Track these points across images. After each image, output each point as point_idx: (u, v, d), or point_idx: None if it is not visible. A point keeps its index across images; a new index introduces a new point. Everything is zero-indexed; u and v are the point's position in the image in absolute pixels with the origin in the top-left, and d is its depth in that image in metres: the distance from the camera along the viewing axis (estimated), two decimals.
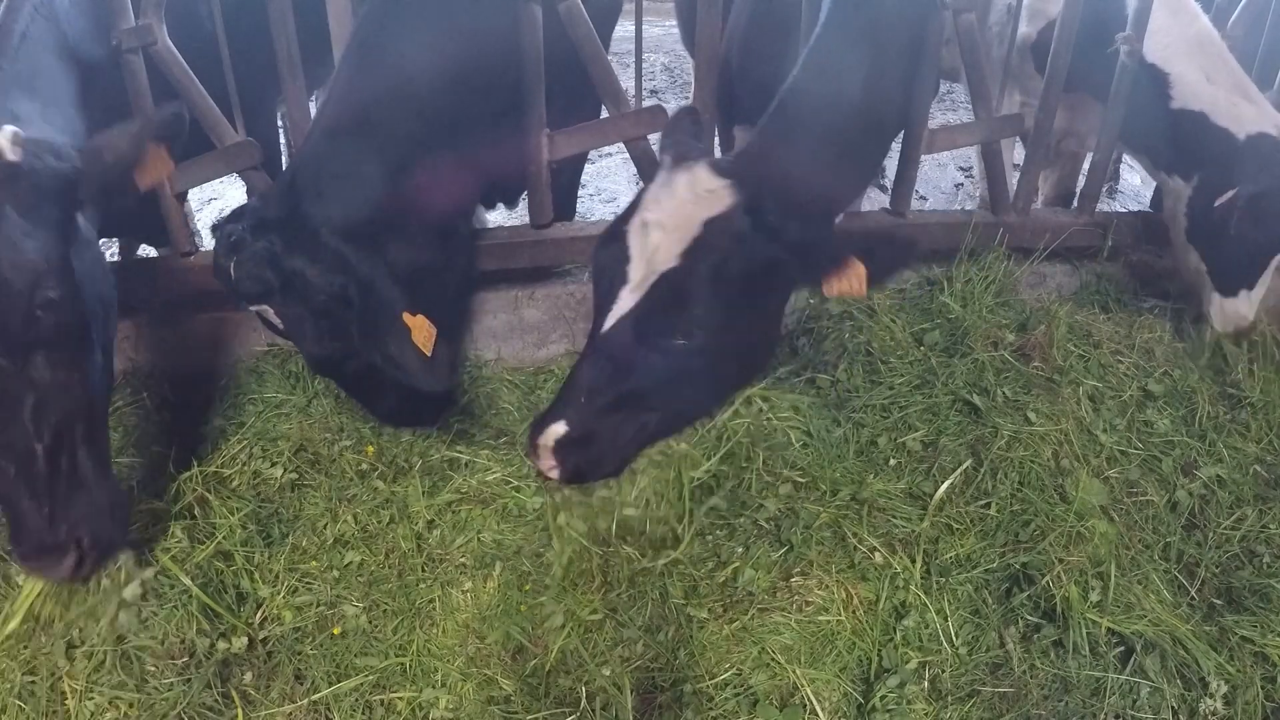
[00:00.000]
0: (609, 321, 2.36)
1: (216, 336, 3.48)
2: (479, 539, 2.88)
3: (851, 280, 2.45)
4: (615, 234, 2.46)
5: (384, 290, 2.78)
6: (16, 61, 2.63)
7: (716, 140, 3.66)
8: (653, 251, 2.35)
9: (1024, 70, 3.84)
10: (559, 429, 2.37)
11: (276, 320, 2.75)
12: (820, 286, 2.49)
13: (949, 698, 2.67)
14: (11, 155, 2.24)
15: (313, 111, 3.24)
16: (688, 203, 2.38)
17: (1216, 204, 3.28)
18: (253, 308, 2.74)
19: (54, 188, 2.34)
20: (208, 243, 4.93)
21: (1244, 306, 3.50)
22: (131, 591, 2.64)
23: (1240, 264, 3.43)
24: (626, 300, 2.35)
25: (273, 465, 3.05)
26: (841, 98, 2.84)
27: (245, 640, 2.68)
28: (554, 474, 2.41)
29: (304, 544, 2.88)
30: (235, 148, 3.27)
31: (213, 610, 2.71)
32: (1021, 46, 3.83)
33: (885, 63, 3.06)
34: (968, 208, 3.92)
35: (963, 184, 6.14)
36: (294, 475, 3.03)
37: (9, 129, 2.27)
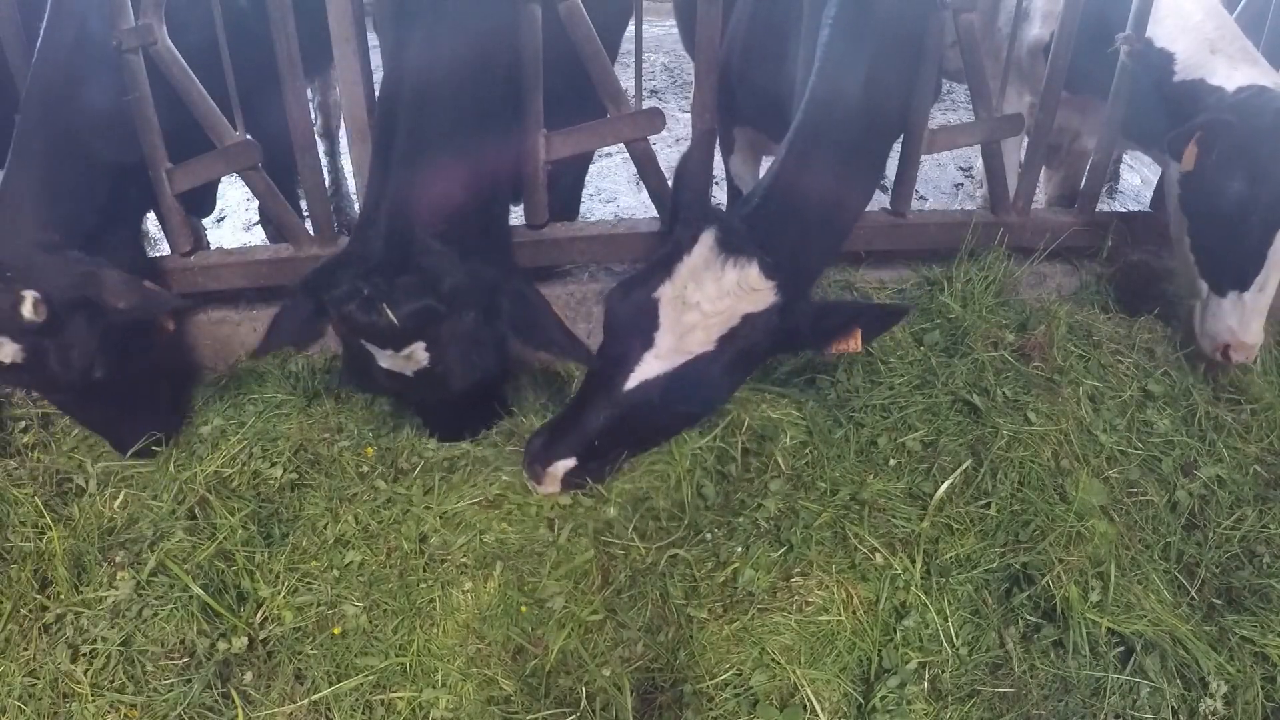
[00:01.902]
0: (631, 381, 2.59)
1: (217, 337, 3.49)
2: (481, 539, 2.87)
3: (850, 341, 2.73)
4: (642, 293, 2.63)
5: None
6: None
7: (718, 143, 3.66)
8: (687, 330, 2.57)
9: (1036, 72, 3.83)
10: (569, 464, 2.70)
11: (421, 360, 2.73)
12: (823, 350, 2.78)
13: (949, 698, 2.68)
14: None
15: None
16: (731, 295, 2.57)
17: (1171, 136, 3.12)
18: (403, 351, 2.70)
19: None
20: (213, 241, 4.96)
21: (1231, 315, 3.24)
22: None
23: (1229, 237, 3.16)
24: (652, 365, 2.58)
25: (273, 465, 3.05)
26: (854, 121, 2.90)
27: (245, 640, 2.68)
28: (552, 494, 2.82)
29: (304, 544, 2.88)
30: (235, 148, 3.27)
31: (213, 610, 2.71)
32: (1034, 48, 3.81)
33: (890, 68, 3.07)
34: (968, 208, 3.90)
35: (963, 184, 6.13)
36: (294, 475, 3.04)
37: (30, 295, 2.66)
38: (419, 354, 2.73)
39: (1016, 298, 3.56)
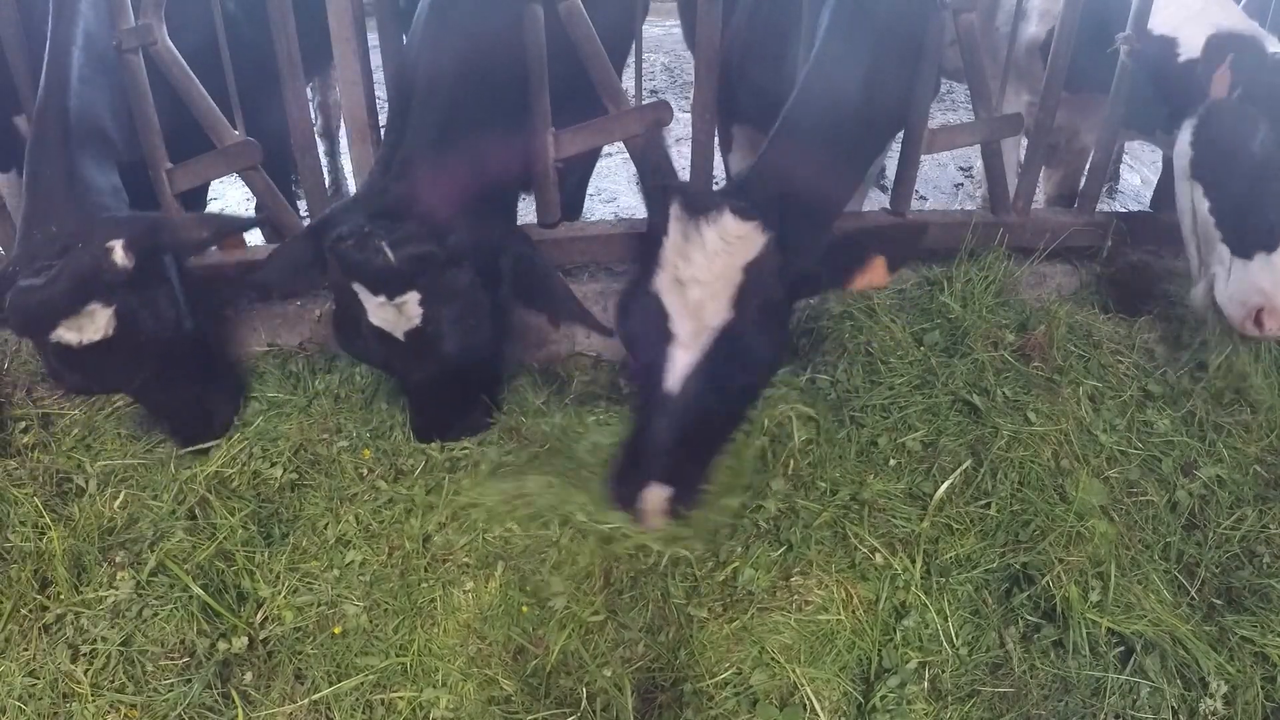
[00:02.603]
0: (672, 381, 2.44)
1: (217, 335, 3.48)
2: (483, 539, 2.87)
3: (875, 273, 2.56)
4: (641, 294, 2.52)
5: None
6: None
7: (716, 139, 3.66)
8: (698, 307, 2.43)
9: (1033, 71, 3.82)
10: (663, 492, 2.48)
11: (413, 315, 2.67)
12: (844, 286, 2.61)
13: (949, 698, 2.68)
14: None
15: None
16: (722, 253, 2.44)
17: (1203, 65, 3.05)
18: (396, 300, 2.64)
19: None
20: None
21: (1265, 276, 3.01)
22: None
23: (1256, 195, 3.00)
24: (683, 357, 2.43)
25: (273, 465, 3.05)
26: (846, 106, 2.86)
27: (245, 640, 2.68)
28: (660, 526, 2.57)
29: (304, 544, 2.88)
30: (235, 148, 3.27)
31: (213, 610, 2.72)
32: (1031, 47, 3.81)
33: (888, 64, 3.07)
34: (967, 208, 3.90)
35: (963, 184, 6.14)
36: (294, 475, 3.03)
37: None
38: (412, 307, 2.66)
39: (1016, 298, 3.55)
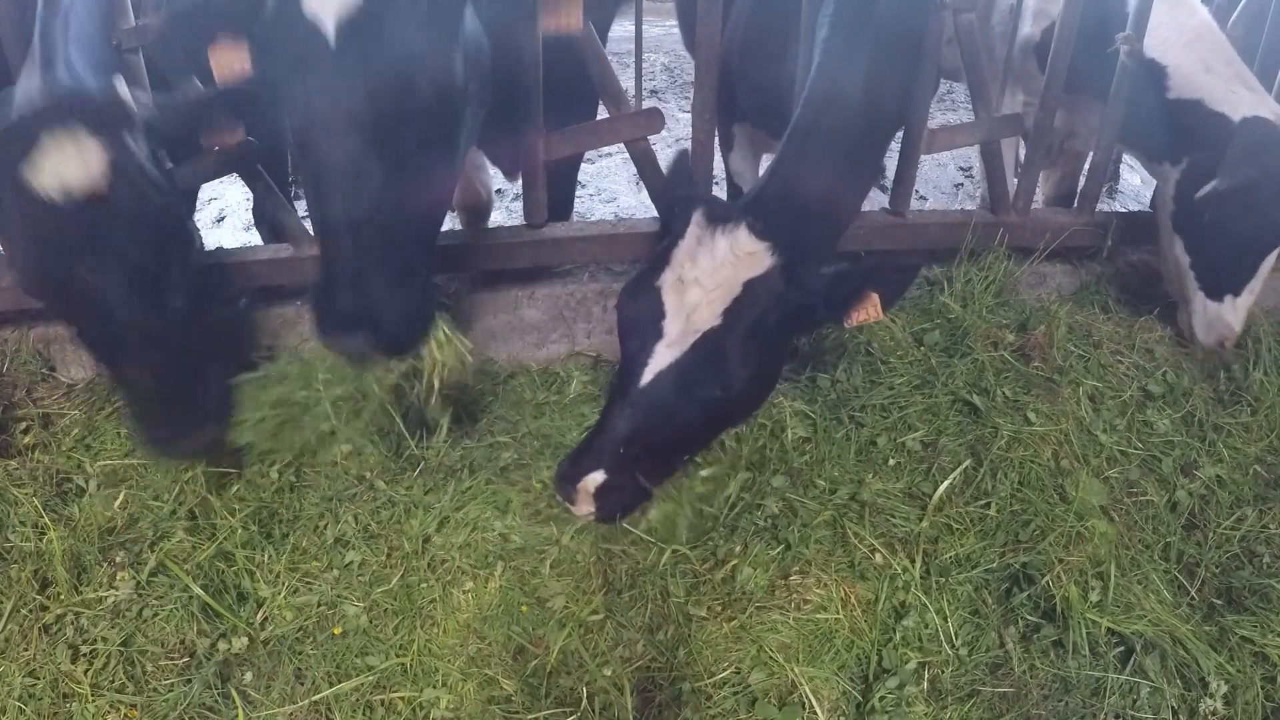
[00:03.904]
0: (646, 375, 2.49)
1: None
2: (482, 538, 2.88)
3: (869, 310, 2.63)
4: (644, 287, 2.56)
5: None
6: None
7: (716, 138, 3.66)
8: (692, 309, 2.49)
9: (1027, 70, 3.83)
10: (598, 477, 2.50)
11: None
12: (841, 322, 2.65)
13: (949, 698, 2.68)
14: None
15: None
16: (728, 264, 2.50)
17: (1197, 196, 3.21)
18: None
19: None
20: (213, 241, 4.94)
21: (1229, 314, 3.38)
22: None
23: (1228, 261, 3.33)
24: (664, 355, 2.48)
25: (272, 466, 3.04)
26: (853, 116, 2.88)
27: (245, 640, 2.68)
28: (589, 517, 2.57)
29: (304, 544, 2.88)
30: (235, 148, 3.26)
31: (213, 610, 2.72)
32: (1025, 47, 3.82)
33: (889, 66, 3.07)
34: (967, 208, 3.90)
35: (962, 184, 6.14)
36: (293, 477, 3.03)
37: None
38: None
39: (1016, 298, 3.56)
